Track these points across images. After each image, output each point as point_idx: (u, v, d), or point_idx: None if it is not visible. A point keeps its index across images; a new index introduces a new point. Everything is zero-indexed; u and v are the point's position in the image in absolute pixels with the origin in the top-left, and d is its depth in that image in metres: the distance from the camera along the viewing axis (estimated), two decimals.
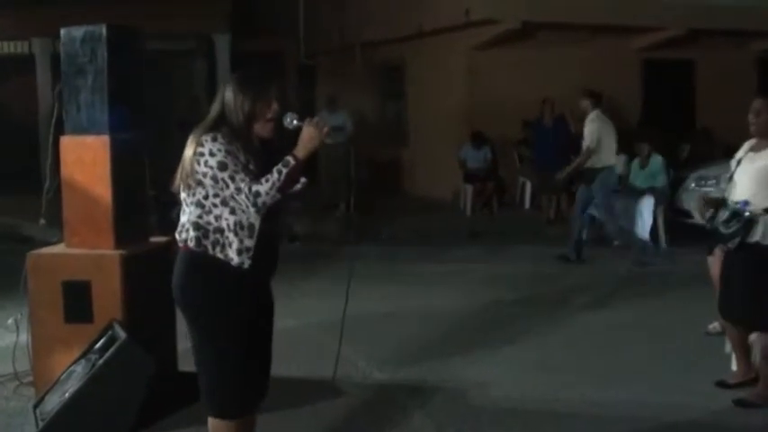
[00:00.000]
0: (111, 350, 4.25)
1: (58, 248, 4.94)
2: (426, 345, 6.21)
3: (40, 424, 4.27)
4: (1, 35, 15.56)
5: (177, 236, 3.42)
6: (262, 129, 3.39)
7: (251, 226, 3.33)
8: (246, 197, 3.24)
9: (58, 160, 4.87)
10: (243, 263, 3.32)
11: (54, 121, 4.91)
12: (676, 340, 6.24)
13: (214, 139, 3.28)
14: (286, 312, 7.09)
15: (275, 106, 3.39)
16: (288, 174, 3.25)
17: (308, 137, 3.34)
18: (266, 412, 4.26)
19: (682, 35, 13.82)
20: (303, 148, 3.33)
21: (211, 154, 3.26)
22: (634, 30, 13.76)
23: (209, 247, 3.33)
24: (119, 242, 4.73)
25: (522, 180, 13.52)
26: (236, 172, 3.25)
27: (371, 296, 7.79)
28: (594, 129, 9.03)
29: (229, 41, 15.98)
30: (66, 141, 4.84)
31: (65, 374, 4.49)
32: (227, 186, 3.26)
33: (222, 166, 3.25)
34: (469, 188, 13.22)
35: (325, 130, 3.35)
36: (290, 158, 3.28)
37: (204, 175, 3.28)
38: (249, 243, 3.33)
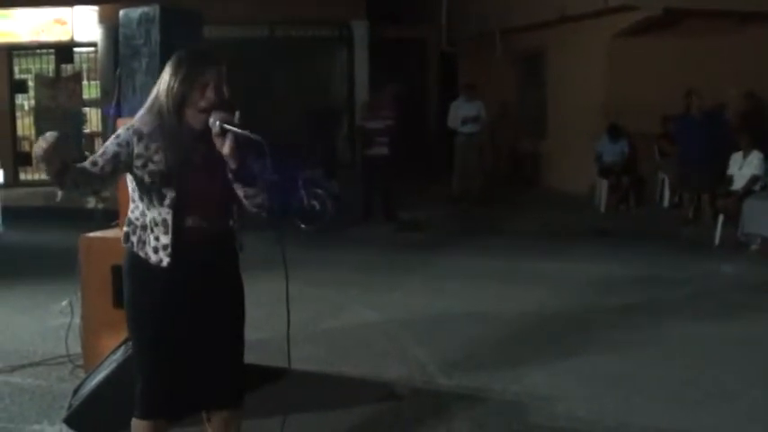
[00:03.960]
0: None
1: (112, 232, 4.89)
2: (505, 350, 5.82)
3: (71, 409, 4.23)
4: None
5: None
6: (193, 118, 3.07)
7: (164, 221, 3.07)
8: None
9: None
10: (160, 261, 3.07)
11: (114, 103, 4.86)
12: None
13: (128, 127, 3.09)
14: (368, 305, 6.95)
15: (210, 94, 3.05)
16: None
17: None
18: (297, 412, 4.07)
19: None
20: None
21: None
22: None
23: (135, 244, 3.14)
24: None
25: (662, 176, 12.75)
26: (96, 155, 3.03)
27: (466, 295, 7.47)
28: None
29: (368, 28, 15.89)
30: (123, 124, 4.78)
31: (106, 361, 4.45)
32: None
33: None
34: (605, 183, 12.65)
35: (44, 147, 2.71)
36: None
37: None
38: (165, 240, 3.06)
